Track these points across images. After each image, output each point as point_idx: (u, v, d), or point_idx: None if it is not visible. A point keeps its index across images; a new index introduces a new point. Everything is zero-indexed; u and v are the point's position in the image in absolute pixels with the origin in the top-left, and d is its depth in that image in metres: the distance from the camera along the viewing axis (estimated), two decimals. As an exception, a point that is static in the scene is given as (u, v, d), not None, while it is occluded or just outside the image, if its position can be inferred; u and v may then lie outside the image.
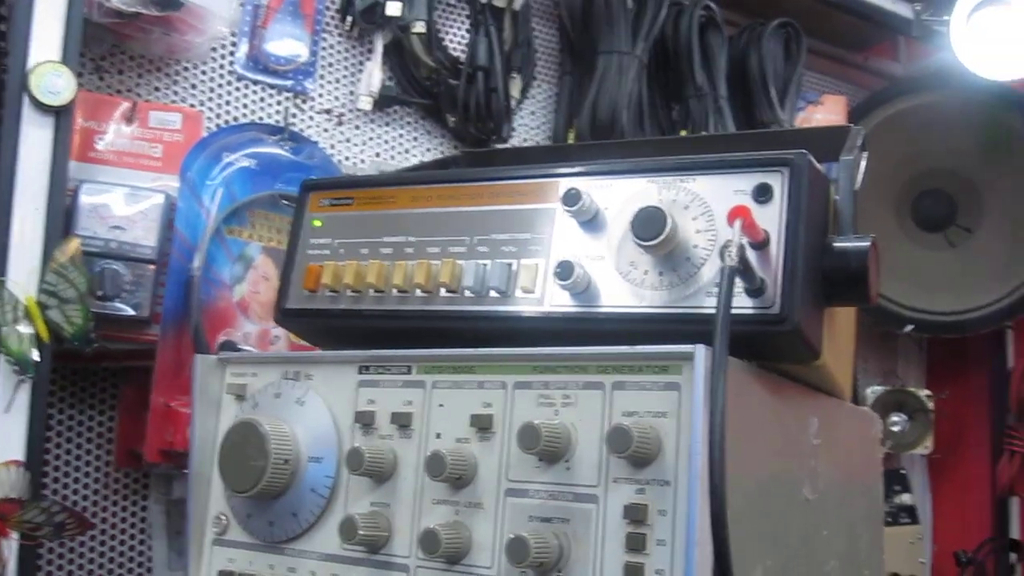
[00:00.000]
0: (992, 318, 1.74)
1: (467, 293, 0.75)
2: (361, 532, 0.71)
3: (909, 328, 1.74)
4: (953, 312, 1.75)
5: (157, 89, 1.23)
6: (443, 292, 0.76)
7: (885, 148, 1.68)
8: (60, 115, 1.03)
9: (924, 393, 1.77)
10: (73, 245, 1.03)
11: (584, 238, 0.73)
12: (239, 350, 1.13)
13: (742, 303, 0.66)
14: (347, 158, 1.36)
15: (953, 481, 1.87)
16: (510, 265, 0.74)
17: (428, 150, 1.43)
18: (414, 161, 1.41)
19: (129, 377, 1.17)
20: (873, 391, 1.77)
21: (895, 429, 1.76)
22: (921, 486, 1.88)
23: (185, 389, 1.08)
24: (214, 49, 1.26)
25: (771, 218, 0.68)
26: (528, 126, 1.52)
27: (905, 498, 1.75)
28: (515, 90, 1.45)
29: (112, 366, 1.17)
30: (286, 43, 1.31)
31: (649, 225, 0.68)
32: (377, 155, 1.39)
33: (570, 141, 1.47)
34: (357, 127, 1.38)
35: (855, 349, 0.88)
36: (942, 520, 1.87)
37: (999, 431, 1.78)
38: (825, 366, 0.73)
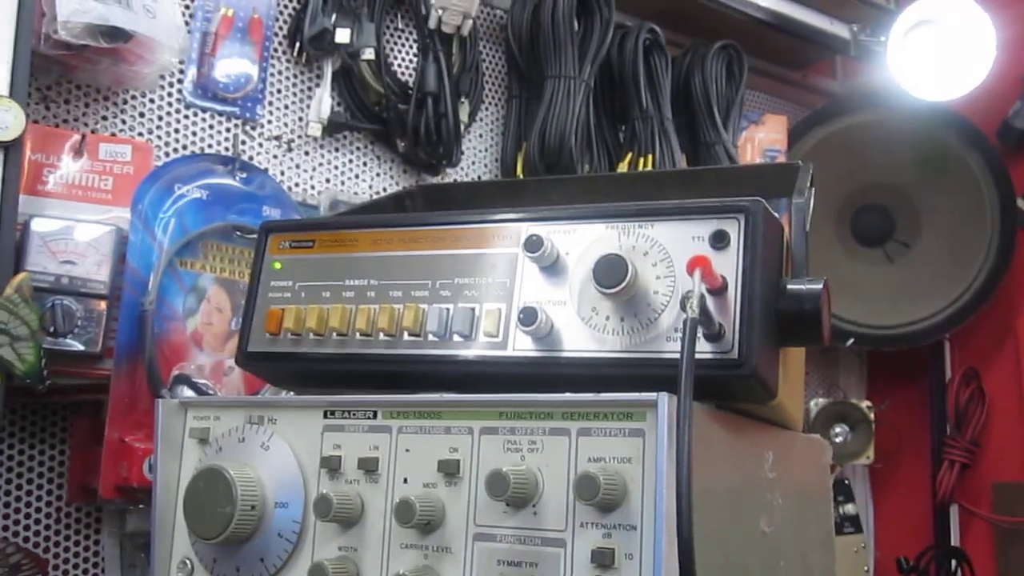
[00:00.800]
0: (931, 331, 1.78)
1: (431, 337, 0.76)
2: (330, 578, 0.71)
3: (850, 342, 1.78)
4: (893, 325, 1.79)
5: (104, 119, 1.22)
6: (406, 336, 0.77)
7: (824, 165, 1.71)
8: (9, 150, 1.02)
9: (865, 404, 1.81)
10: (22, 280, 1.02)
11: (546, 283, 0.74)
12: (194, 383, 1.13)
13: (701, 348, 0.68)
14: (297, 184, 1.36)
15: (894, 490, 1.91)
16: (473, 310, 0.75)
17: (378, 175, 1.44)
18: (365, 187, 1.42)
19: (80, 410, 1.16)
20: (816, 403, 1.81)
21: (838, 440, 1.79)
22: (863, 495, 1.92)
23: (139, 424, 1.08)
24: (162, 77, 1.26)
25: (728, 264, 0.70)
26: (476, 149, 1.53)
27: (849, 508, 1.79)
28: (464, 114, 1.46)
29: (62, 400, 1.15)
30: (235, 70, 1.31)
31: (611, 273, 0.69)
32: (327, 181, 1.39)
33: (518, 164, 1.48)
34: (307, 153, 1.38)
35: (803, 376, 0.90)
36: (884, 529, 1.91)
37: (938, 440, 1.82)
38: (780, 403, 0.75)
